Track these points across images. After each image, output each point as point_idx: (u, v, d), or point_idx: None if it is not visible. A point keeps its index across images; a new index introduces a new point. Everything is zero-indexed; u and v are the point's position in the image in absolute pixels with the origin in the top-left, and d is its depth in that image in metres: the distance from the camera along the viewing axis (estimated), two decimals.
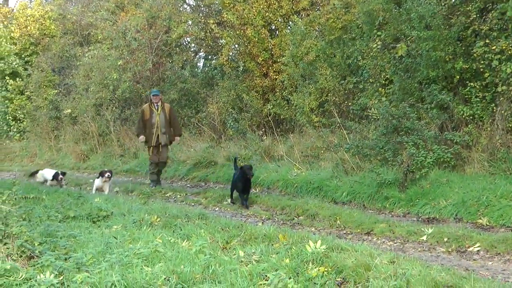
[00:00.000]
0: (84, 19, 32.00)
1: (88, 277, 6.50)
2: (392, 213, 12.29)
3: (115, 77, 25.65)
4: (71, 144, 28.59)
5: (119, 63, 25.82)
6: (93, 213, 10.73)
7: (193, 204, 14.51)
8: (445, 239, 9.31)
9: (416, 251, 8.97)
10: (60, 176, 17.19)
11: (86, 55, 29.63)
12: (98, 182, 16.31)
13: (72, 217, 10.44)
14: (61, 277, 6.60)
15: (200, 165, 19.78)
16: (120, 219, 10.22)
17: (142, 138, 17.36)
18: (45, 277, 6.46)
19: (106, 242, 8.19)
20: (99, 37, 29.88)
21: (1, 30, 34.23)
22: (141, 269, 6.84)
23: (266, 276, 6.43)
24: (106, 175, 16.11)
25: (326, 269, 6.39)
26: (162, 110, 17.12)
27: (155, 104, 17.16)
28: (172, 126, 17.46)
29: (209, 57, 27.63)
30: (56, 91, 31.47)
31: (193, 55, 28.82)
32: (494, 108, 12.79)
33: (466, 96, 13.43)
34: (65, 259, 7.36)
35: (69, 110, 29.30)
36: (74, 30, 33.07)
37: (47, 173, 17.73)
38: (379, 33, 15.96)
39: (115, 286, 6.22)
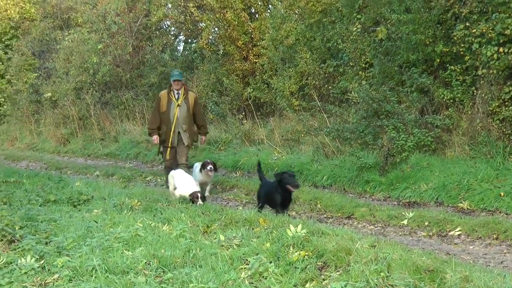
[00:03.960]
0: (64, 2, 31.82)
1: (69, 261, 6.54)
2: (373, 197, 12.32)
3: (95, 60, 25.55)
4: (52, 128, 28.61)
5: (99, 46, 25.73)
6: (74, 197, 10.83)
7: None
8: (426, 223, 9.36)
9: (397, 235, 9.00)
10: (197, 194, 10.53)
11: (66, 38, 29.40)
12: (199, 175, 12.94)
13: (53, 201, 10.52)
14: (42, 261, 6.67)
15: None
16: (101, 203, 10.27)
17: (155, 139, 13.69)
18: (26, 261, 6.51)
19: (87, 226, 8.23)
20: (79, 21, 29.73)
21: None
22: (121, 253, 6.87)
23: (246, 260, 6.44)
24: (209, 167, 12.82)
25: (307, 253, 6.39)
26: (184, 100, 13.41)
27: (176, 92, 13.43)
28: (196, 122, 13.84)
29: (189, 40, 27.49)
30: (36, 74, 31.31)
31: (173, 38, 28.70)
32: (475, 91, 12.79)
33: (447, 80, 13.43)
34: (46, 243, 7.43)
35: (49, 94, 29.23)
36: (54, 14, 32.77)
37: (179, 180, 11.38)
38: (359, 16, 15.93)
39: (96, 270, 6.22)
